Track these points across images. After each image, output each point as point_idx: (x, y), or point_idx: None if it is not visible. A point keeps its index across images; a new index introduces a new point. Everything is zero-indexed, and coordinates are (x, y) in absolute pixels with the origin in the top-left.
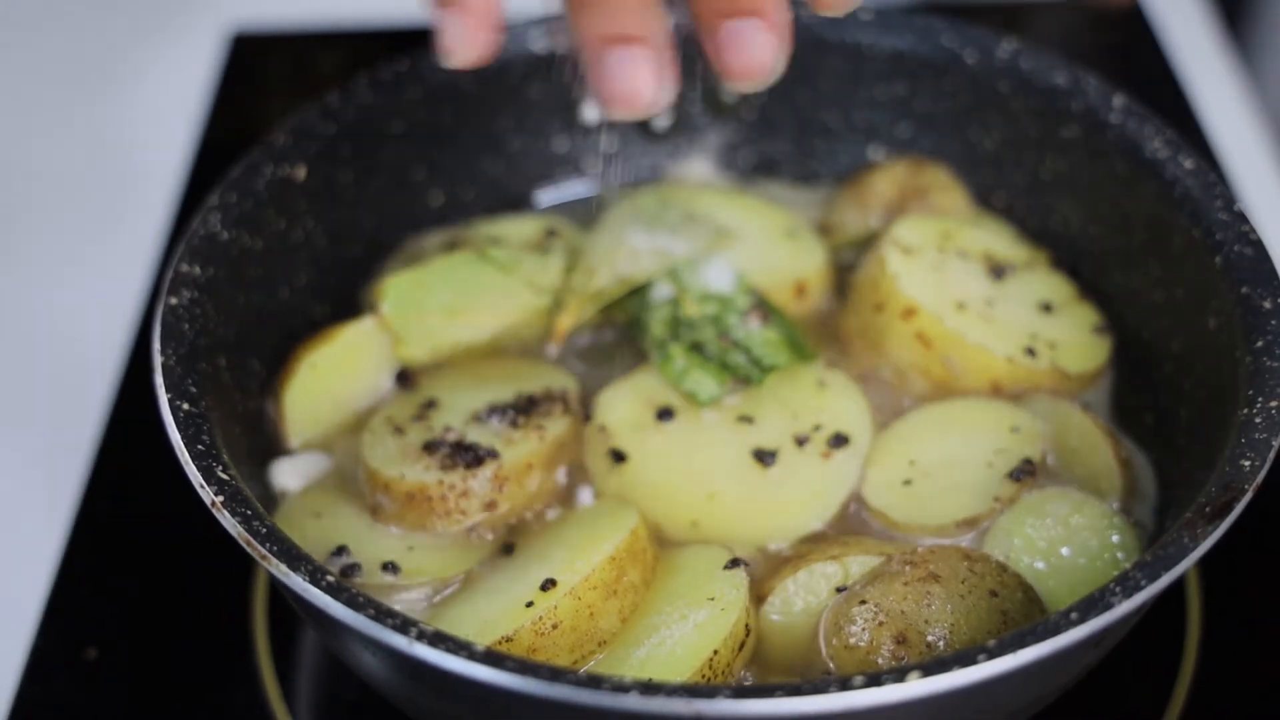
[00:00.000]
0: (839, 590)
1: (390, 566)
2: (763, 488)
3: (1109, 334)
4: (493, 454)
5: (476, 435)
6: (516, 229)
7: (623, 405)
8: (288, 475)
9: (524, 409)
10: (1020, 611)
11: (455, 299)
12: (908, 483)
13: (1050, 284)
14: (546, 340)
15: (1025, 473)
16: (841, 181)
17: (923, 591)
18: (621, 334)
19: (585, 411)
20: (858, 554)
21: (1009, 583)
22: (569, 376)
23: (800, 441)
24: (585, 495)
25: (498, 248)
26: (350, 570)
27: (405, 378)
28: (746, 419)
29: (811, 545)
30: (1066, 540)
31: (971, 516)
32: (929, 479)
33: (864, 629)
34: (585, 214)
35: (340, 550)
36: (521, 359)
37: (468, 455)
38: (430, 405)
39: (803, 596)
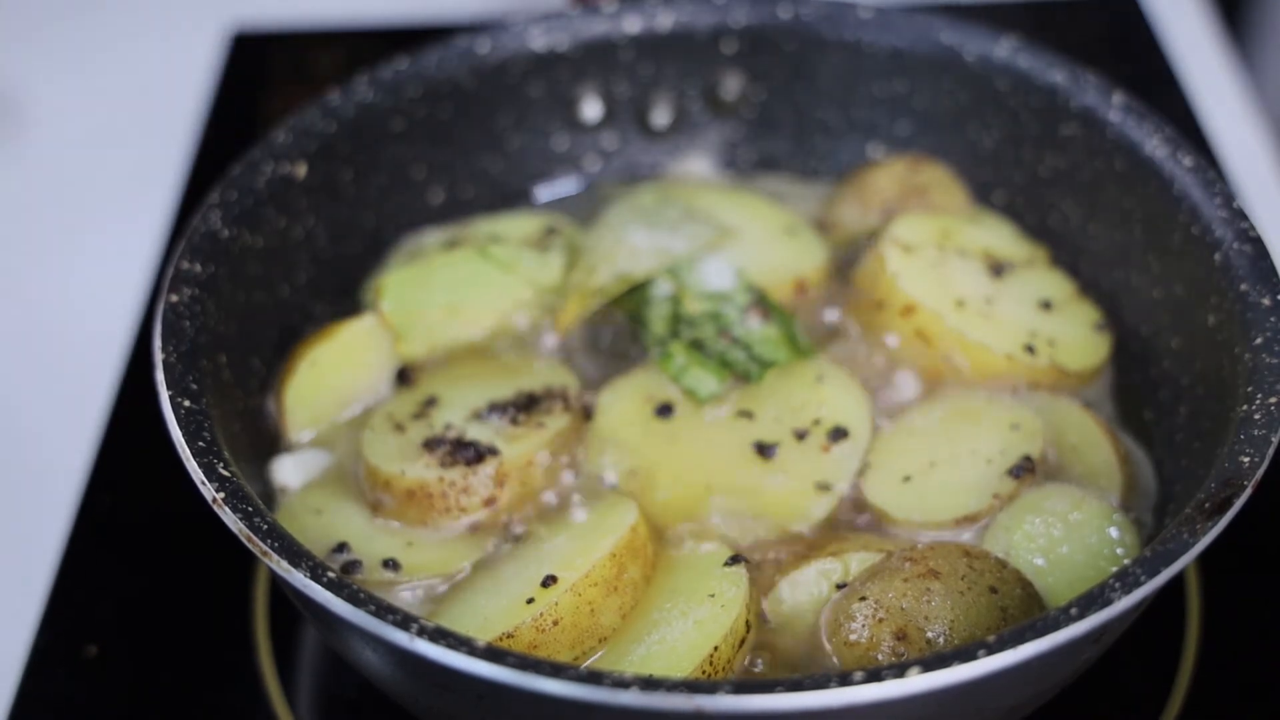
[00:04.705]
0: (839, 586)
1: (391, 563)
2: (763, 482)
3: (1108, 331)
4: (493, 451)
5: (477, 432)
6: (516, 226)
7: (623, 402)
8: (288, 472)
9: (524, 406)
10: (1020, 608)
11: (455, 296)
12: (907, 479)
13: (1050, 281)
14: (546, 337)
15: (1025, 470)
16: (841, 179)
17: (922, 588)
18: (622, 331)
19: (586, 408)
20: (858, 550)
21: (1008, 579)
22: (569, 374)
23: (800, 435)
24: (585, 492)
25: (498, 245)
26: (351, 567)
27: (405, 375)
28: (746, 414)
29: (812, 541)
30: (1066, 537)
31: (971, 513)
32: (928, 476)
33: (864, 625)
34: (585, 211)
35: (341, 547)
36: (521, 356)
37: (468, 452)
38: (431, 403)
39: (803, 592)
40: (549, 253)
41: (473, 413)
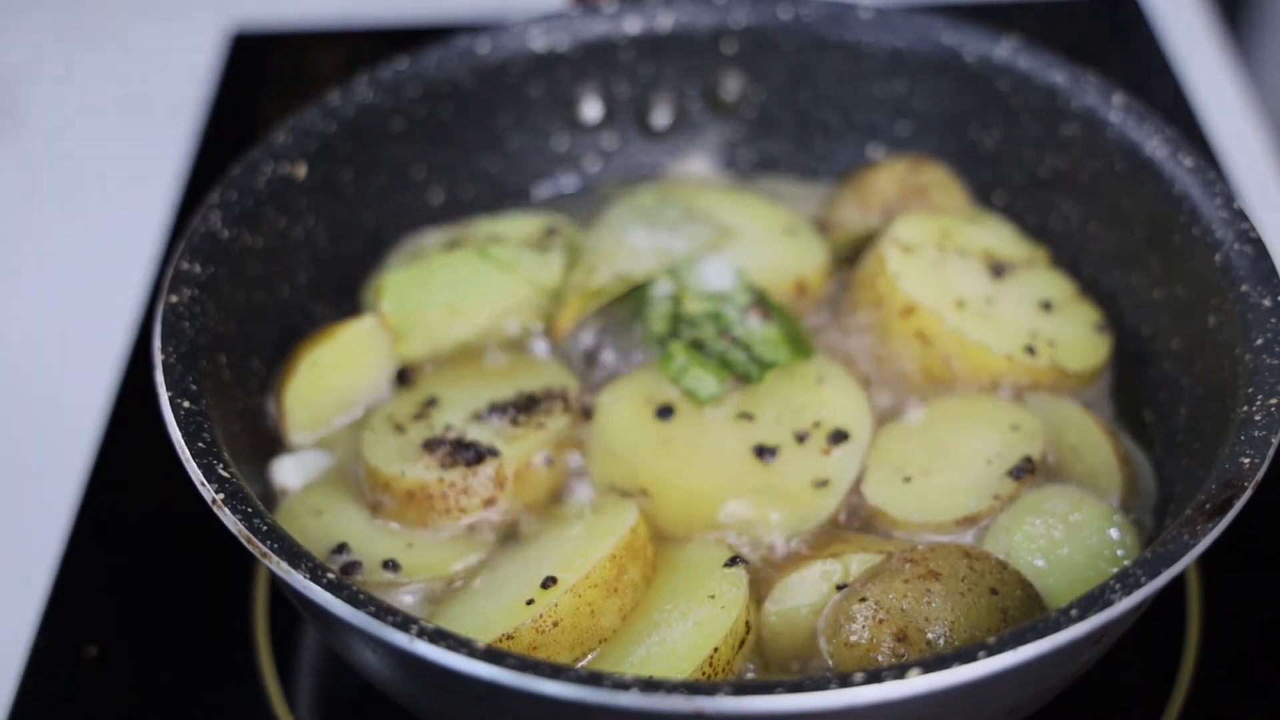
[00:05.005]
0: (839, 588)
1: (390, 564)
2: (763, 484)
3: (1109, 332)
4: (493, 452)
5: (477, 433)
6: (516, 227)
7: (623, 403)
8: (288, 473)
9: (524, 407)
10: (1020, 609)
11: (455, 297)
12: (907, 480)
13: (1050, 282)
14: (547, 338)
15: (1025, 470)
16: (841, 179)
17: (923, 589)
18: (622, 332)
19: (585, 409)
20: (858, 551)
21: (1009, 580)
22: (569, 374)
23: (800, 438)
24: (585, 492)
25: (498, 246)
26: (351, 568)
27: (405, 376)
28: (747, 416)
29: (812, 543)
30: (1066, 538)
31: (971, 514)
32: (928, 477)
33: (864, 626)
34: (585, 211)
35: (341, 548)
36: (521, 357)
37: (468, 453)
38: (431, 403)
39: (803, 594)
40: (549, 253)
41: (472, 413)
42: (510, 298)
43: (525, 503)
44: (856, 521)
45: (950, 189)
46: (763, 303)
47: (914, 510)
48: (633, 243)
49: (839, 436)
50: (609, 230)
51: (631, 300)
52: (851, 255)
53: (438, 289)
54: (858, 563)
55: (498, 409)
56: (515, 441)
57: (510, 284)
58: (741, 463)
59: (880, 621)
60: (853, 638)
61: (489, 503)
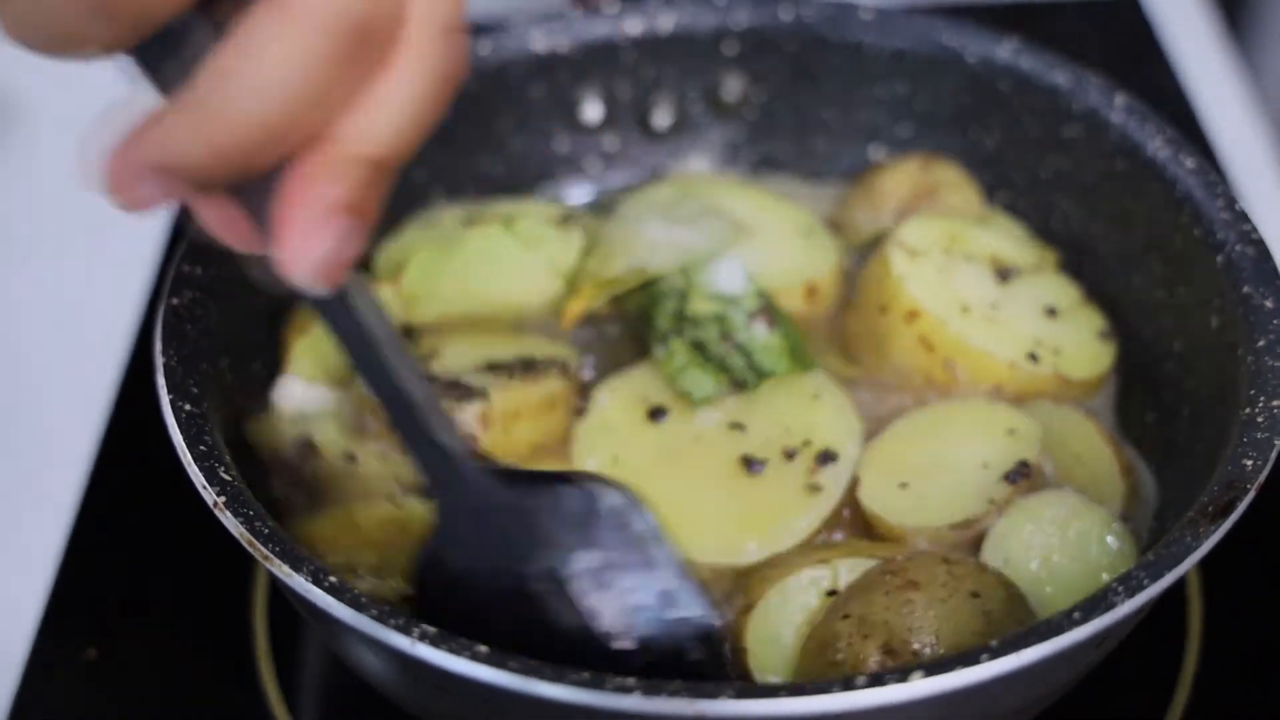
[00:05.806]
0: (829, 594)
1: (350, 456)
2: (746, 496)
3: (1114, 339)
4: (483, 394)
5: (471, 381)
6: (536, 208)
7: (617, 400)
8: (291, 394)
9: (522, 369)
10: (1003, 610)
11: (474, 271)
12: (903, 485)
13: (1056, 287)
14: (554, 324)
15: (1021, 475)
16: (852, 179)
17: (903, 599)
18: (628, 328)
19: (580, 405)
20: (847, 556)
21: (989, 582)
22: (572, 351)
23: (789, 454)
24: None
25: (524, 220)
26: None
27: (410, 333)
28: (738, 425)
29: (799, 549)
30: (1065, 544)
31: (967, 519)
32: (924, 481)
33: (849, 643)
34: (585, 214)
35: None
36: (528, 332)
37: (458, 390)
38: (431, 355)
39: (792, 601)
40: (571, 232)
41: (470, 366)
42: (527, 278)
43: (507, 457)
44: (852, 525)
45: (962, 188)
46: (770, 310)
47: (909, 515)
48: (650, 236)
49: (826, 457)
50: (626, 222)
51: (640, 295)
52: (859, 258)
53: (458, 262)
54: (846, 568)
55: (495, 367)
56: (506, 390)
57: (529, 264)
58: (727, 471)
59: (865, 637)
60: (839, 655)
61: (470, 441)
